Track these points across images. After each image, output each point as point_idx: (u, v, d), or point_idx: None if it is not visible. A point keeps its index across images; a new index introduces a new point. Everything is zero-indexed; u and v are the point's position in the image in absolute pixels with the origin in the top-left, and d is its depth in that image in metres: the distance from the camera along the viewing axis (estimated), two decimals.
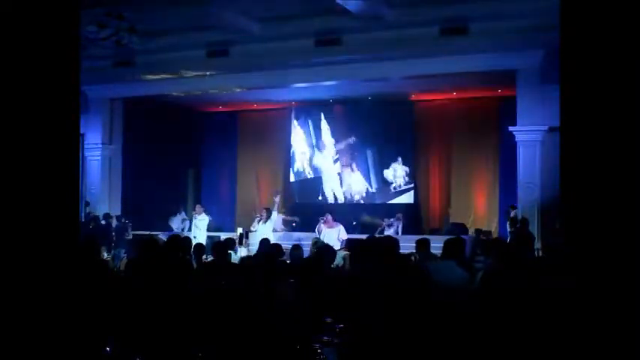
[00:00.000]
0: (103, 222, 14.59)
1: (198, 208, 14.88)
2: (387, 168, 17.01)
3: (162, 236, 12.74)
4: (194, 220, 14.46)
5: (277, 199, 14.25)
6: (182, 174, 19.13)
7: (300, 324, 5.09)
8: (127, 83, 15.47)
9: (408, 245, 8.04)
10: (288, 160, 18.33)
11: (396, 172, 16.89)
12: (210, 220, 16.93)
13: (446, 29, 11.95)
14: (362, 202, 17.08)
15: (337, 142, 17.62)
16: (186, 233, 13.91)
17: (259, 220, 13.54)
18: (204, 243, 11.71)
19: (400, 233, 14.28)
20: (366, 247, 7.09)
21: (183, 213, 16.72)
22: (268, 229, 13.21)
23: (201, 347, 5.18)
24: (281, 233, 14.47)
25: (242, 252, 12.34)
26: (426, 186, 17.06)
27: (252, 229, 13.75)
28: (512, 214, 12.90)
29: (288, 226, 16.00)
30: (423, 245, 6.85)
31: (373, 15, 11.54)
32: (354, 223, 15.15)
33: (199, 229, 14.17)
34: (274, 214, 13.70)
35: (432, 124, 16.93)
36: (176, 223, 15.28)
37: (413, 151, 16.90)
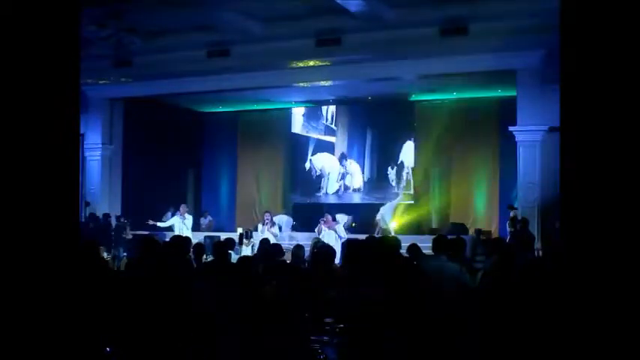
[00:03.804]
0: (102, 222, 14.56)
1: (183, 208, 14.63)
2: (387, 168, 17.04)
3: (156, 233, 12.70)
4: (184, 221, 14.31)
5: (268, 217, 14.10)
6: (182, 174, 19.13)
7: (301, 324, 5.09)
8: (127, 83, 15.47)
9: (406, 245, 8.04)
10: (288, 160, 18.34)
11: (396, 172, 16.91)
12: (209, 220, 16.94)
13: (446, 29, 11.95)
14: (360, 202, 17.09)
15: (337, 142, 17.63)
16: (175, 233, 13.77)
17: (265, 225, 13.56)
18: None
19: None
20: (365, 247, 7.09)
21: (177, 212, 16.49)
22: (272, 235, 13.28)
23: (201, 347, 5.18)
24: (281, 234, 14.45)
25: (246, 251, 12.31)
26: (426, 186, 17.06)
27: (260, 232, 13.77)
28: (512, 214, 12.91)
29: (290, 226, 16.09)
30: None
31: (373, 15, 11.54)
32: (354, 224, 15.15)
33: (188, 229, 14.13)
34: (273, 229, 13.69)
35: (432, 124, 16.93)
36: (168, 222, 15.18)
37: (413, 151, 16.91)
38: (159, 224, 14.58)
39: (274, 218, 14.54)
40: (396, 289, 4.94)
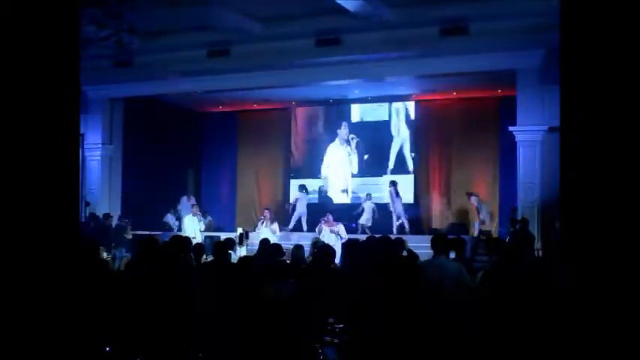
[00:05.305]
0: (102, 222, 14.57)
1: (195, 207, 14.76)
2: (387, 168, 17.05)
3: (163, 236, 12.73)
4: (199, 221, 14.34)
5: (267, 214, 14.11)
6: (182, 174, 19.12)
7: (301, 324, 5.09)
8: (127, 83, 15.46)
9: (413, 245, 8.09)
10: (288, 160, 18.36)
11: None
12: (209, 220, 16.95)
13: (446, 29, 11.95)
14: (359, 202, 17.07)
15: (336, 141, 17.63)
16: (177, 232, 13.80)
17: (262, 222, 13.57)
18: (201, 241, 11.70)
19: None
20: (365, 247, 7.10)
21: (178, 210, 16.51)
22: (271, 232, 13.32)
23: (202, 347, 5.18)
24: (281, 234, 14.44)
25: (242, 252, 12.33)
26: (426, 186, 17.06)
27: (256, 230, 13.77)
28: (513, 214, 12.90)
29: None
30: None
31: (373, 15, 11.54)
32: (354, 225, 15.15)
33: (201, 228, 14.16)
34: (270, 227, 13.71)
35: (432, 124, 16.93)
36: (171, 220, 15.18)
37: (413, 151, 16.92)
38: (171, 224, 14.62)
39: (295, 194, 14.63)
40: (396, 289, 4.95)
